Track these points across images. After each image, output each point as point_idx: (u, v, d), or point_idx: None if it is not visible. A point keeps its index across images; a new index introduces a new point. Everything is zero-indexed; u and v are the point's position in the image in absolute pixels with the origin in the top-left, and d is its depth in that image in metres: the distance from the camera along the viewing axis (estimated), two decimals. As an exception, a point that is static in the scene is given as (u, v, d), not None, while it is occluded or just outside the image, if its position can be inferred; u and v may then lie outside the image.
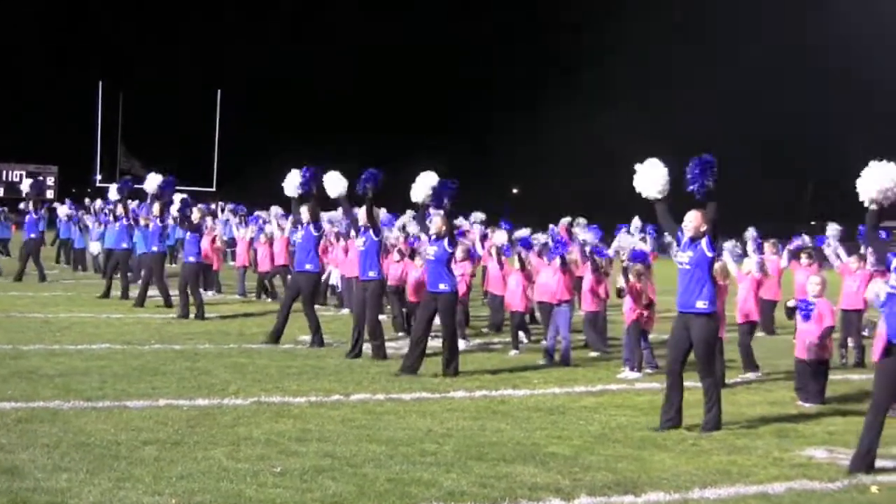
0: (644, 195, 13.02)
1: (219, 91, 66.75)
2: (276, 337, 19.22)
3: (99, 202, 39.37)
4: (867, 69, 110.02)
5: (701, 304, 12.58)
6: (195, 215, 24.89)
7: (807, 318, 15.04)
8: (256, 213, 34.32)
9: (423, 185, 16.65)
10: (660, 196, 12.95)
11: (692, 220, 12.80)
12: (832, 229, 20.53)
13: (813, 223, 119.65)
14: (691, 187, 12.55)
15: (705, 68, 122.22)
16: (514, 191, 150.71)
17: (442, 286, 16.44)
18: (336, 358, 17.66)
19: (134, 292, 27.33)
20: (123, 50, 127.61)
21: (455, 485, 9.49)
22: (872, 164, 11.28)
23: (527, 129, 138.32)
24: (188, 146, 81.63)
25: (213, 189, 67.75)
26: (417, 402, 13.87)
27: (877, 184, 11.14)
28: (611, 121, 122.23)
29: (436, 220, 16.94)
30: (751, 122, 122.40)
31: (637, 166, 13.08)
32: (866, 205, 11.30)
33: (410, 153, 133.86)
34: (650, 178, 12.97)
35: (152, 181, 26.01)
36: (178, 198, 26.16)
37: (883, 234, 19.60)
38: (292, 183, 19.25)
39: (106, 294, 27.36)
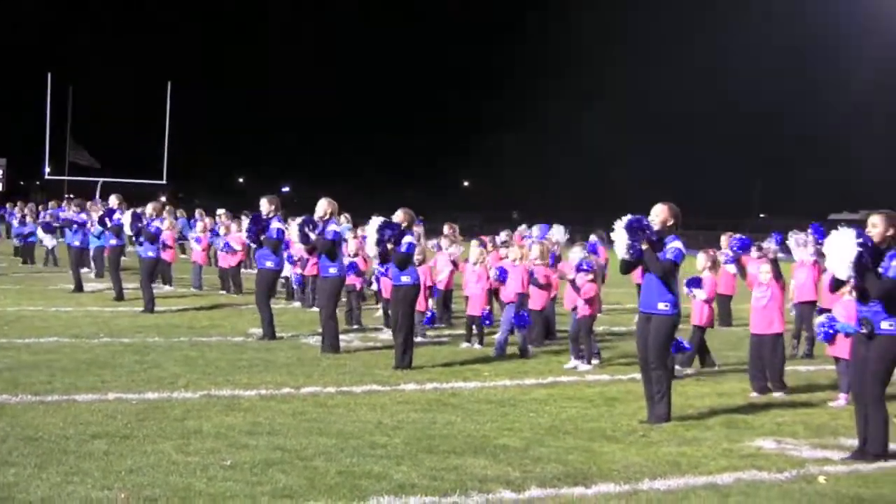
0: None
1: (168, 83, 66.29)
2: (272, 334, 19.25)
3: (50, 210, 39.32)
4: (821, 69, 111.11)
5: (662, 306, 12.66)
6: (149, 209, 24.77)
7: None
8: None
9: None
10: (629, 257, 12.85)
11: (658, 214, 12.86)
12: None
13: (762, 215, 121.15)
14: (626, 254, 12.64)
15: (656, 68, 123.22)
16: (465, 183, 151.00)
17: (404, 279, 16.45)
18: (287, 351, 17.61)
19: (89, 286, 27.44)
20: (73, 41, 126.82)
21: (405, 477, 9.49)
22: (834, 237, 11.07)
23: (479, 124, 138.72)
24: (138, 138, 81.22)
25: (163, 182, 67.32)
26: (368, 394, 13.86)
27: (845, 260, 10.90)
28: (567, 118, 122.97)
29: (398, 214, 16.95)
30: (704, 121, 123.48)
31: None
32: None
33: (365, 148, 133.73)
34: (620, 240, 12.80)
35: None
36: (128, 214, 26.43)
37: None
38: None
39: (78, 288, 27.20)
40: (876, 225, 11.18)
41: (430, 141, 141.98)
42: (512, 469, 10.00)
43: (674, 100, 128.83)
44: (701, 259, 17.60)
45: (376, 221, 16.63)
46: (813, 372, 17.21)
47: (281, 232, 19.53)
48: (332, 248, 17.89)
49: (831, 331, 13.76)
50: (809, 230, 18.23)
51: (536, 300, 19.10)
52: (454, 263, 21.70)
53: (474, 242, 20.52)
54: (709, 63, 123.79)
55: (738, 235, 17.59)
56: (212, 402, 12.79)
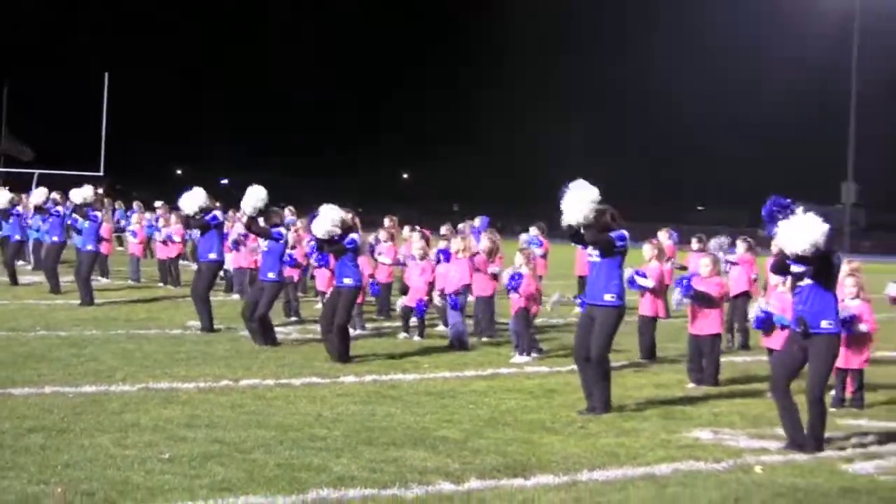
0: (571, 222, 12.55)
1: (106, 75, 65.59)
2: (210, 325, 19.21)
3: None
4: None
5: (609, 297, 12.71)
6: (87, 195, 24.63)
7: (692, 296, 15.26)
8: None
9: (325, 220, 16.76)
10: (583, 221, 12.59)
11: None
12: (715, 242, 20.78)
13: (700, 208, 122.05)
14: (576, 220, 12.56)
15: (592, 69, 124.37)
16: (405, 175, 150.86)
17: (346, 280, 16.41)
18: (225, 343, 17.53)
19: (25, 279, 27.42)
20: (7, 34, 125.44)
21: (345, 470, 9.48)
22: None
23: (415, 114, 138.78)
24: (75, 130, 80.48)
25: (101, 174, 66.68)
26: (307, 387, 13.83)
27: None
28: (510, 114, 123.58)
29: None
30: (644, 117, 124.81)
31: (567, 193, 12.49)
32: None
33: (303, 141, 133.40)
34: (575, 204, 12.46)
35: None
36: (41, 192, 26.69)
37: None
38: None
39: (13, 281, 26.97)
40: None
41: (371, 133, 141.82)
42: (451, 461, 10.02)
43: (613, 96, 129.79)
44: (647, 250, 17.68)
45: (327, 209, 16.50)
46: (749, 363, 17.33)
47: (214, 217, 19.47)
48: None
49: (763, 315, 13.88)
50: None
51: (486, 288, 19.18)
52: (402, 263, 21.56)
53: (416, 234, 20.50)
54: (645, 60, 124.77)
55: (674, 230, 17.76)
56: (150, 395, 12.73)
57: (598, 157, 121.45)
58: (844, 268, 13.81)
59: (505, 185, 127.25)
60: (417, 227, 22.43)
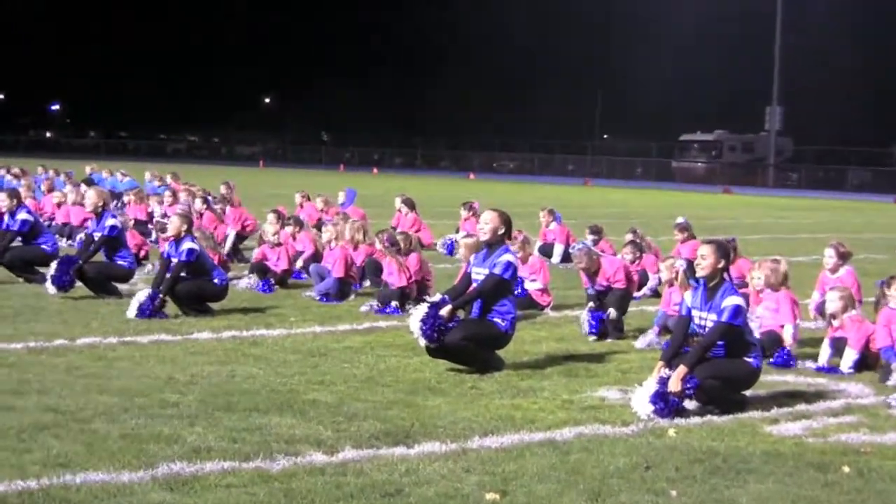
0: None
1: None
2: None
3: None
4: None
5: (499, 321, 12.76)
6: None
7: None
8: None
9: None
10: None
11: (488, 222, 12.90)
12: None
13: (606, 136, 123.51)
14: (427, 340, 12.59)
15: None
16: (267, 100, 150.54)
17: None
18: (60, 296, 17.29)
19: None
20: None
21: (200, 440, 9.45)
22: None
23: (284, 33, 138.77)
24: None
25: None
26: (156, 345, 13.76)
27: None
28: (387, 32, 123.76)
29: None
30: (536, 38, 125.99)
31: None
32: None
33: (145, 59, 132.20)
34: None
35: None
36: None
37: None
38: None
39: None
40: (705, 257, 11.39)
41: (224, 51, 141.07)
42: (323, 428, 10.04)
43: (506, 20, 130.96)
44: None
45: None
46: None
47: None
48: (114, 243, 17.63)
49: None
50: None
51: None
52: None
53: (271, 217, 20.20)
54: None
55: None
56: (-29, 358, 12.59)
57: (489, 82, 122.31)
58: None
59: (382, 113, 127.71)
60: (277, 209, 21.81)
